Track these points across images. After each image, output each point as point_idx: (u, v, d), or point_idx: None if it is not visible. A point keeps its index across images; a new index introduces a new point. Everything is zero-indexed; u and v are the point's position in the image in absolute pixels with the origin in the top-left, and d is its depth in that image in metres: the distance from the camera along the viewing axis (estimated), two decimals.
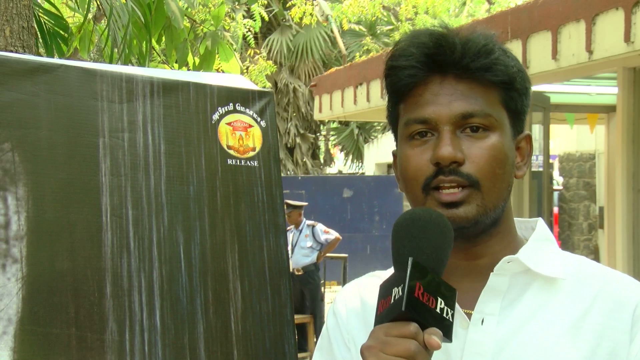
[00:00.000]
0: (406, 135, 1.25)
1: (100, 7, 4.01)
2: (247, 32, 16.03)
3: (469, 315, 1.23)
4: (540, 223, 1.34)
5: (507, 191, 1.26)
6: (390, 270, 1.33)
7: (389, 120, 1.33)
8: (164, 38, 5.04)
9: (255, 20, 15.97)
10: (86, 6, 4.24)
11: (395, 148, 1.33)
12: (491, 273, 1.24)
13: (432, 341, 1.04)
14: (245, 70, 16.49)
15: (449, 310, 1.07)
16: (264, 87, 13.08)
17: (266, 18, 17.66)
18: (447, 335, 1.06)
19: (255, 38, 18.87)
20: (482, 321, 1.22)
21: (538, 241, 1.30)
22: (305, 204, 10.34)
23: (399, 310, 1.05)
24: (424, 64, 1.23)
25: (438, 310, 1.06)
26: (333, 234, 9.92)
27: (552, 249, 1.31)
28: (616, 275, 1.27)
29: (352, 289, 1.39)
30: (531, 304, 1.24)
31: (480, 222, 1.22)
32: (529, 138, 1.32)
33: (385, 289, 1.09)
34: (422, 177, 1.22)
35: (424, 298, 1.05)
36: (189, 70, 5.88)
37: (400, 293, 1.05)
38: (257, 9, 15.84)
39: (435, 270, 1.09)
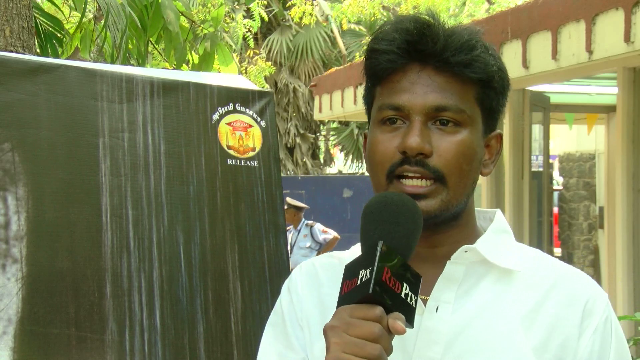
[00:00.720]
0: (378, 119, 1.26)
1: (99, 7, 4.01)
2: (246, 32, 16.02)
3: (425, 302, 1.23)
4: (499, 214, 1.35)
5: (472, 187, 1.27)
6: (349, 251, 1.33)
7: (365, 101, 1.33)
8: (162, 39, 5.05)
9: (254, 20, 15.96)
10: (83, 6, 4.23)
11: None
12: (448, 261, 1.25)
13: (397, 325, 1.05)
14: (244, 72, 16.49)
15: (413, 295, 1.08)
16: (263, 88, 13.05)
17: (266, 18, 17.65)
18: (410, 320, 1.07)
19: (255, 38, 18.87)
20: (437, 308, 1.23)
21: (496, 232, 1.31)
22: (306, 206, 10.34)
23: (365, 292, 1.05)
24: (405, 51, 1.23)
25: (403, 295, 1.07)
26: (331, 234, 9.92)
27: (509, 241, 1.32)
28: (571, 270, 1.29)
29: (309, 268, 1.38)
30: (486, 293, 1.25)
31: (440, 216, 1.23)
32: (499, 137, 1.32)
33: (352, 270, 1.09)
34: (388, 164, 1.22)
35: (390, 282, 1.06)
36: (188, 68, 5.89)
37: (368, 275, 1.05)
38: (257, 9, 15.83)
39: (403, 255, 1.10)
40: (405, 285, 1.07)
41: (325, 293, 1.31)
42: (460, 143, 1.22)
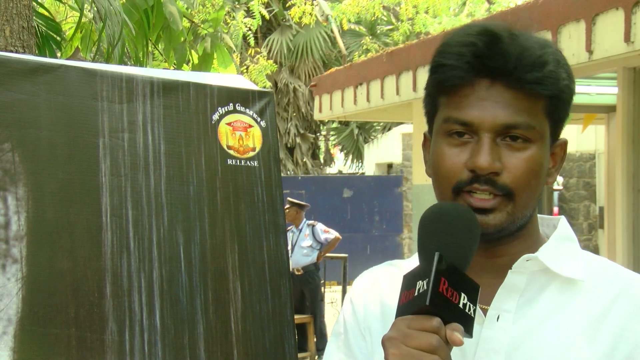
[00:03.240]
0: (444, 131, 1.23)
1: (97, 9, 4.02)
2: (247, 31, 16.02)
3: (485, 312, 1.23)
4: (563, 221, 1.33)
5: (538, 199, 1.26)
6: (409, 260, 1.33)
7: (426, 106, 1.30)
8: (162, 38, 5.05)
9: (255, 19, 15.96)
10: (81, 8, 4.24)
11: (427, 129, 1.32)
12: (509, 270, 1.23)
13: (455, 337, 1.04)
14: (245, 70, 16.49)
15: (471, 305, 1.08)
16: (264, 87, 13.08)
17: (267, 17, 17.66)
18: (468, 330, 1.07)
19: (256, 38, 18.87)
20: (498, 318, 1.22)
21: (559, 240, 1.29)
22: (308, 205, 10.35)
23: (422, 304, 1.05)
24: (474, 67, 1.20)
25: (461, 305, 1.07)
26: (333, 234, 9.92)
27: (573, 248, 1.30)
28: (637, 277, 1.26)
29: (370, 278, 1.38)
30: (549, 303, 1.23)
31: (507, 229, 1.22)
32: (564, 144, 1.30)
33: (409, 281, 1.10)
34: (455, 179, 1.21)
35: (447, 293, 1.06)
36: (188, 68, 5.89)
37: (425, 287, 1.06)
38: (257, 8, 15.82)
39: (460, 265, 1.10)
40: (463, 295, 1.07)
41: (386, 302, 1.31)
42: (530, 159, 1.20)
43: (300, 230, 9.89)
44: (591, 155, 12.39)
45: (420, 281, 1.07)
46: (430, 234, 1.13)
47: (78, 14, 4.34)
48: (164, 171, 2.10)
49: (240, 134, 2.26)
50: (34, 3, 4.38)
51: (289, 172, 19.94)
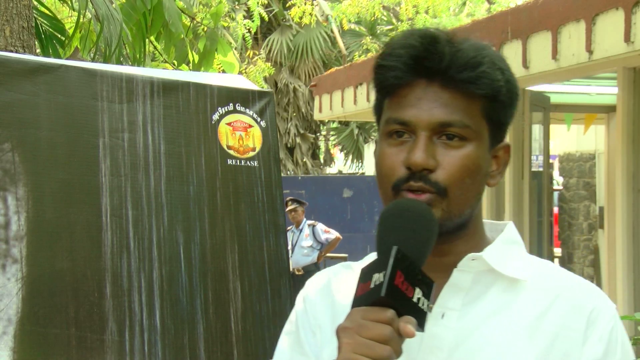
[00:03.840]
0: (385, 132, 1.28)
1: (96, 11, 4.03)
2: (246, 32, 16.03)
3: (430, 309, 1.25)
4: (510, 226, 1.37)
5: (475, 199, 1.29)
6: (362, 262, 1.35)
7: (374, 112, 1.35)
8: (162, 36, 5.06)
9: (254, 21, 15.97)
10: (81, 8, 4.24)
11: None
12: (454, 269, 1.27)
13: (407, 329, 1.07)
14: (244, 71, 16.49)
15: (425, 301, 1.10)
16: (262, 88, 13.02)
17: (266, 18, 17.66)
18: (421, 325, 1.10)
19: (255, 38, 18.88)
20: (443, 315, 1.25)
21: (505, 243, 1.33)
22: (306, 202, 10.35)
23: (378, 296, 1.08)
24: (411, 67, 1.24)
25: (415, 299, 1.09)
26: (333, 234, 9.93)
27: (518, 251, 1.34)
28: (577, 280, 1.31)
29: (324, 277, 1.42)
30: (493, 302, 1.27)
31: (443, 226, 1.24)
32: (507, 148, 1.34)
33: (366, 274, 1.12)
34: (394, 177, 1.25)
35: (403, 287, 1.09)
36: (188, 67, 5.89)
37: (382, 279, 1.08)
38: (257, 9, 15.83)
39: (417, 261, 1.13)
40: (417, 290, 1.10)
41: (337, 301, 1.34)
42: (464, 157, 1.24)
43: (301, 231, 9.89)
44: (591, 155, 12.39)
45: (377, 274, 1.09)
46: (390, 229, 1.16)
47: (81, 13, 4.35)
48: (164, 171, 2.10)
49: (240, 134, 2.26)
50: (36, 2, 4.39)
51: (289, 172, 19.94)
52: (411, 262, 1.11)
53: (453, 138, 1.24)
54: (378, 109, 1.33)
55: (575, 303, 1.26)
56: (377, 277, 1.09)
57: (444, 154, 1.23)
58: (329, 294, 1.37)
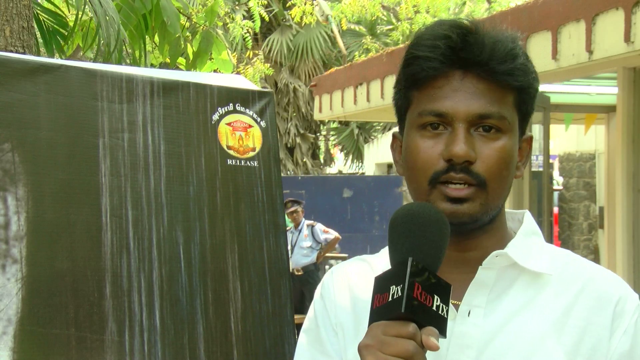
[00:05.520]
0: (418, 124, 1.26)
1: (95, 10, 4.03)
2: (245, 33, 16.02)
3: (456, 307, 1.24)
4: (527, 216, 1.36)
5: (508, 191, 1.28)
6: (378, 255, 1.34)
7: (397, 103, 1.32)
8: (157, 33, 5.07)
9: (254, 22, 15.97)
10: (81, 6, 4.24)
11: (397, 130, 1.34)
12: (480, 267, 1.26)
13: (431, 342, 1.05)
14: (242, 71, 16.48)
15: (443, 306, 1.09)
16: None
17: (266, 18, 17.66)
18: (442, 331, 1.08)
19: (255, 38, 18.88)
20: (469, 313, 1.24)
21: (526, 235, 1.32)
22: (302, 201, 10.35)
23: (397, 311, 1.05)
24: (448, 58, 1.23)
25: (434, 307, 1.08)
26: (333, 234, 9.93)
27: (539, 243, 1.33)
28: (600, 271, 1.30)
29: (340, 273, 1.40)
30: (518, 298, 1.26)
31: (479, 220, 1.24)
32: (530, 139, 1.34)
33: (382, 284, 1.10)
34: (431, 170, 1.23)
35: (421, 297, 1.06)
36: (184, 64, 5.90)
37: (400, 293, 1.06)
38: (257, 10, 15.82)
39: (432, 267, 1.10)
40: (436, 297, 1.08)
41: (358, 297, 1.33)
42: (502, 149, 1.23)
43: (300, 231, 9.89)
44: (591, 155, 12.40)
45: (394, 286, 1.07)
46: (401, 235, 1.14)
47: (80, 12, 4.35)
48: (164, 171, 2.10)
49: (240, 134, 2.26)
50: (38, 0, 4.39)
51: (289, 172, 19.94)
52: (427, 270, 1.08)
53: (490, 130, 1.23)
54: (404, 101, 1.30)
55: (600, 295, 1.25)
56: (395, 290, 1.06)
57: (482, 146, 1.22)
58: (348, 291, 1.35)
